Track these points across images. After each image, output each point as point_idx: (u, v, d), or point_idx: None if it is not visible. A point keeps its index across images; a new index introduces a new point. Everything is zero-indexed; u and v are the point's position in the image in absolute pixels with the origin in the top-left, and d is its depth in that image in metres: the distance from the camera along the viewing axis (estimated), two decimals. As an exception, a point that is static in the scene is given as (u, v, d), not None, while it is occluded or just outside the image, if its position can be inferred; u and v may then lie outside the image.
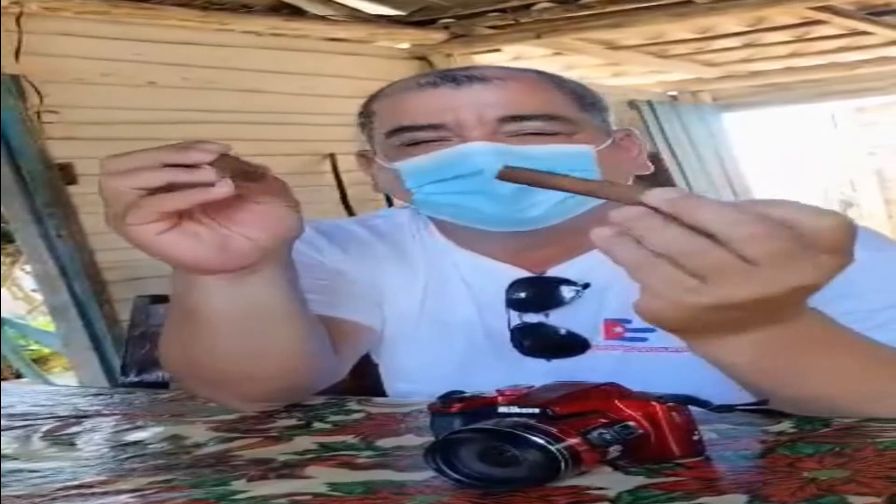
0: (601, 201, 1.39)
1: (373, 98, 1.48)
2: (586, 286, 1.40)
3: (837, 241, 0.91)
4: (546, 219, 1.38)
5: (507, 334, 1.44)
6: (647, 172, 1.47)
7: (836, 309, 1.18)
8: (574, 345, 1.42)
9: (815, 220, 0.90)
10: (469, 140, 1.35)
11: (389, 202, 1.43)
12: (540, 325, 1.44)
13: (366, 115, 1.48)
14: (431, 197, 1.40)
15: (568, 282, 1.42)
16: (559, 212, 1.38)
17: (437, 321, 1.49)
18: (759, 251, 0.89)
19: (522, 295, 1.44)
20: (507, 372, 1.40)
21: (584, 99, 1.43)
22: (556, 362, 1.43)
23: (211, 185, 1.08)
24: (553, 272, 1.44)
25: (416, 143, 1.39)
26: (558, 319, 1.43)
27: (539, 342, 1.44)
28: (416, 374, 1.51)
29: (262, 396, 1.34)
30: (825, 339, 1.05)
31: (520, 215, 1.37)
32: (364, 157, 1.50)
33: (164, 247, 1.14)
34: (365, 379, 1.64)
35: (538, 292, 1.44)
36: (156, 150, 1.10)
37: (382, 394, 1.57)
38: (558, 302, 1.42)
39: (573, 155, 1.37)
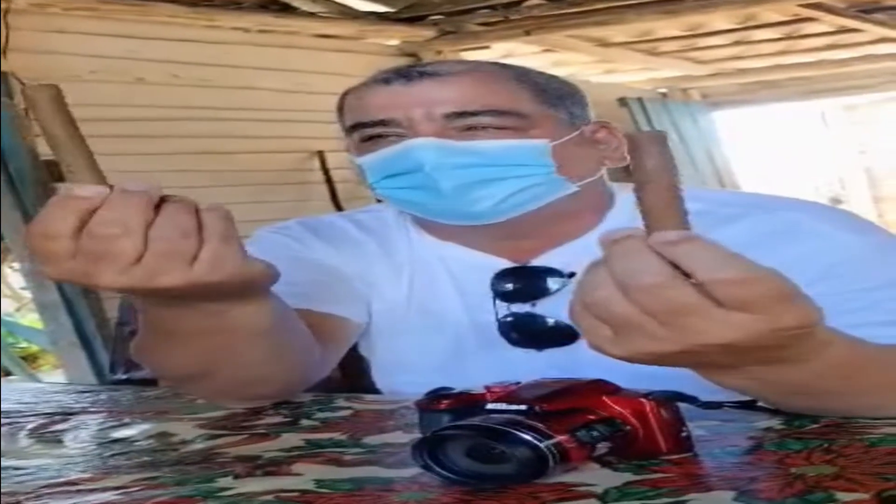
0: (563, 194, 1.39)
1: (343, 96, 1.49)
2: (572, 275, 1.39)
3: (743, 298, 0.82)
4: (496, 214, 1.38)
5: (496, 325, 1.44)
6: (623, 164, 1.46)
7: (820, 289, 1.18)
8: (563, 334, 1.41)
9: (710, 271, 0.82)
10: (418, 135, 1.36)
11: (378, 199, 1.43)
12: (527, 315, 1.43)
13: (339, 113, 1.49)
14: (388, 192, 1.42)
15: (553, 271, 1.42)
16: (509, 207, 1.38)
17: (425, 313, 1.49)
18: (656, 305, 0.83)
19: (508, 286, 1.44)
20: (498, 363, 1.40)
21: (549, 92, 1.42)
22: (547, 352, 1.43)
23: None
24: (538, 262, 1.44)
25: (370, 139, 1.40)
26: (546, 309, 1.42)
27: (527, 333, 1.43)
28: (408, 367, 1.51)
29: (275, 395, 1.36)
30: (847, 366, 0.99)
31: (465, 209, 1.38)
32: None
33: (256, 265, 1.09)
34: (359, 378, 1.64)
35: (524, 283, 1.44)
36: (130, 197, 1.02)
37: (375, 391, 1.56)
38: (544, 292, 1.42)
39: (524, 149, 1.37)
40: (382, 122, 1.39)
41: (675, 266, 0.83)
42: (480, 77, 1.41)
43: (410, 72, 1.41)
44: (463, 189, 1.36)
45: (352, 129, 1.43)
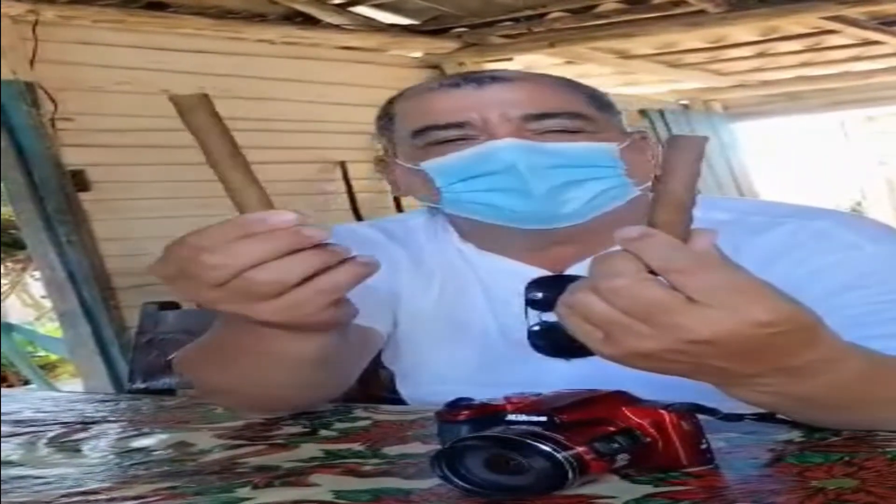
0: (630, 199, 1.39)
1: (393, 100, 1.48)
2: None
3: (699, 289, 0.87)
4: (578, 216, 1.38)
5: (525, 335, 1.43)
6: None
7: (848, 299, 1.17)
8: None
9: (662, 262, 0.87)
10: (496, 137, 1.36)
11: (398, 209, 1.43)
12: (557, 324, 1.42)
13: (386, 118, 1.48)
14: (461, 195, 1.39)
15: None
16: (592, 208, 1.38)
17: (454, 322, 1.48)
18: (628, 304, 0.88)
19: (540, 294, 1.43)
20: (529, 372, 1.38)
21: (599, 100, 1.44)
22: (576, 362, 1.41)
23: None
24: (570, 271, 1.43)
25: (441, 143, 1.39)
26: None
27: (556, 342, 1.42)
28: (435, 376, 1.50)
29: (303, 409, 1.37)
30: (866, 380, 1.00)
31: (553, 211, 1.37)
32: (383, 162, 1.49)
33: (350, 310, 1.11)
34: (373, 388, 1.63)
35: (554, 291, 1.42)
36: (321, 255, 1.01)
37: (389, 402, 1.55)
38: None
39: (600, 151, 1.38)
40: (457, 125, 1.38)
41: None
42: (545, 83, 1.43)
43: (479, 76, 1.42)
44: (554, 191, 1.35)
45: (416, 133, 1.41)
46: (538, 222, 1.39)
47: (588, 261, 1.39)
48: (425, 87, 1.46)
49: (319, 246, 1.00)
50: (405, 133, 1.44)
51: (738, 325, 0.86)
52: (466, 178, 1.38)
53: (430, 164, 1.40)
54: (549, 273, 1.44)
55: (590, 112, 1.41)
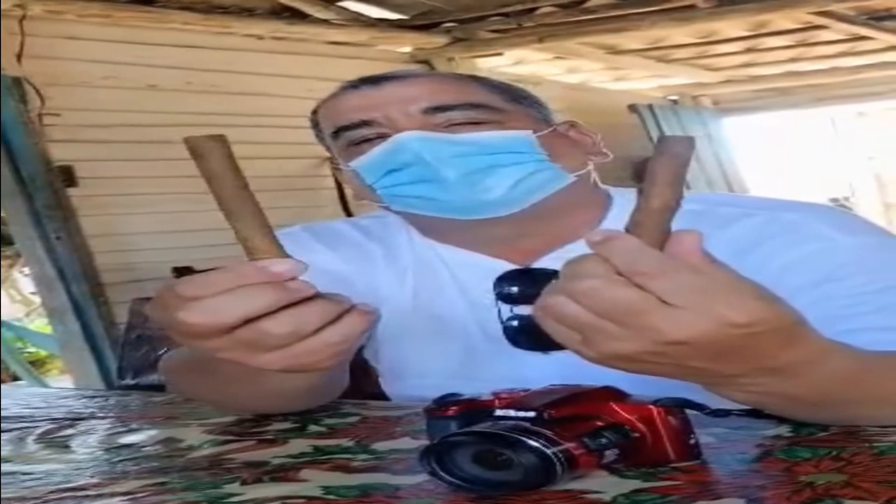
0: (565, 184, 1.39)
1: (315, 110, 1.50)
2: None
3: (667, 291, 0.85)
4: (509, 203, 1.37)
5: (501, 328, 1.43)
6: (607, 160, 1.46)
7: (819, 293, 1.17)
8: None
9: (628, 264, 0.85)
10: (402, 131, 1.37)
11: (380, 203, 1.45)
12: (532, 317, 1.42)
13: (315, 127, 1.50)
14: (391, 190, 1.41)
15: (555, 273, 1.41)
16: (520, 195, 1.37)
17: (431, 317, 1.48)
18: (600, 306, 0.86)
19: (512, 289, 1.42)
20: (509, 365, 1.38)
21: (510, 92, 1.44)
22: (555, 355, 1.41)
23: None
24: (539, 263, 1.43)
25: (358, 143, 1.41)
26: None
27: (532, 336, 1.41)
28: (415, 372, 1.50)
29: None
30: (849, 377, 1.00)
31: (478, 198, 1.37)
32: (337, 169, 1.50)
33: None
34: (363, 384, 1.63)
35: (528, 285, 1.42)
36: (326, 305, 0.95)
37: (381, 399, 1.56)
38: None
39: (510, 139, 1.38)
40: (363, 123, 1.39)
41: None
42: (444, 78, 1.45)
43: (376, 77, 1.43)
44: (470, 177, 1.35)
45: (334, 136, 1.43)
46: (465, 212, 1.39)
47: (556, 253, 1.41)
48: (333, 92, 1.47)
49: (318, 295, 0.95)
50: (329, 139, 1.46)
51: (711, 326, 0.85)
52: (389, 172, 1.39)
53: (356, 163, 1.41)
54: (517, 266, 1.44)
55: (496, 103, 1.40)
